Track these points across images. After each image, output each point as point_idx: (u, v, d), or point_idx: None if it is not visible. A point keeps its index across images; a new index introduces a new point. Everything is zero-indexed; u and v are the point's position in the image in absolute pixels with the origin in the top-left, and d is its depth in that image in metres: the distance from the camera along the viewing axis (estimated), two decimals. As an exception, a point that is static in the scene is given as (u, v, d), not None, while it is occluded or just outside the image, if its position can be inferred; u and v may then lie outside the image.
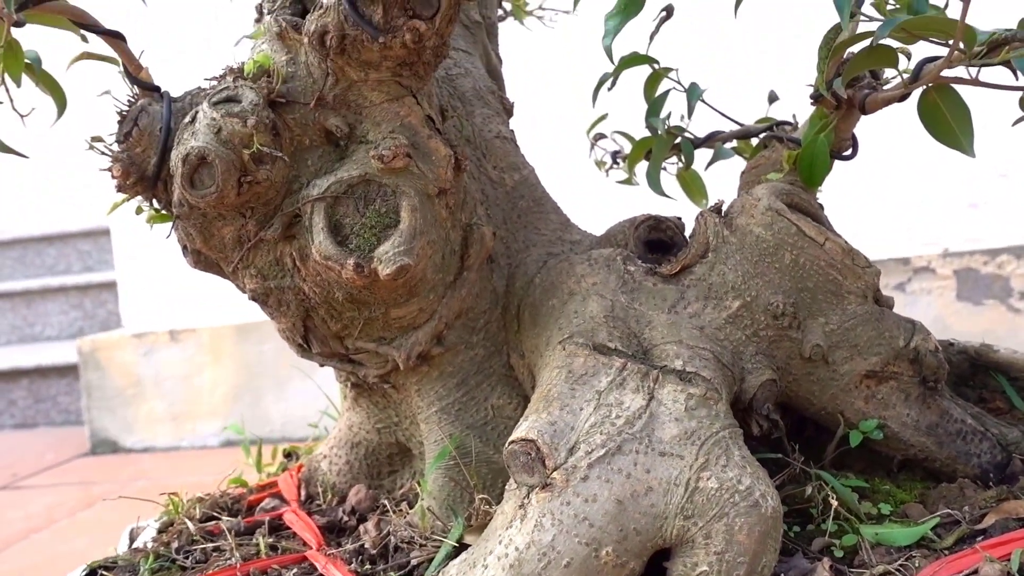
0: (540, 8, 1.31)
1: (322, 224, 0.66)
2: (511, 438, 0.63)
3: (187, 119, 0.68)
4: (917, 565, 0.60)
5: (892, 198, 1.98)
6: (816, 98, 0.78)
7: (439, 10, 0.64)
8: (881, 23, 0.62)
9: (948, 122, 0.73)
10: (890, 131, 1.96)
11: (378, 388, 0.80)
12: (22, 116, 0.83)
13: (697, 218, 0.76)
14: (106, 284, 3.47)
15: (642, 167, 1.03)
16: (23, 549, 1.75)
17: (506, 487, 0.66)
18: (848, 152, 0.83)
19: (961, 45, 0.63)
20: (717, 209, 0.76)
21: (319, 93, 0.67)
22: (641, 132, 1.11)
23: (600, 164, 1.14)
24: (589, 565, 0.59)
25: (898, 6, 0.72)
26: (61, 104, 0.81)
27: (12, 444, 2.83)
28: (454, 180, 0.70)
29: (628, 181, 1.07)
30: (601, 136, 1.14)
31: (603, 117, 1.12)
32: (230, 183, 0.65)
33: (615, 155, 1.11)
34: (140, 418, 2.50)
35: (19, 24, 0.68)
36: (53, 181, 4.21)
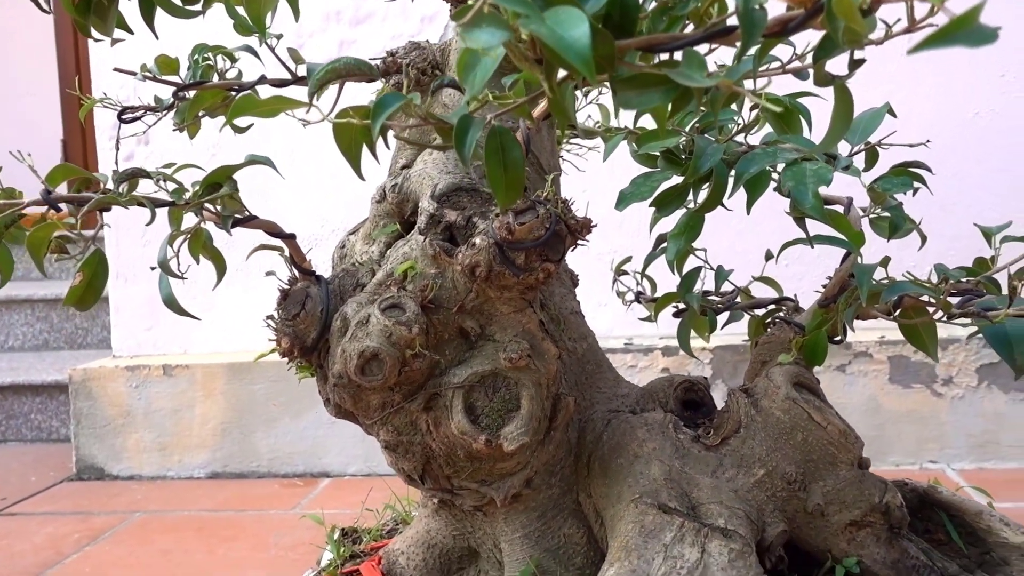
0: (569, 142, 1.51)
1: (460, 407, 0.86)
2: (602, 581, 0.84)
3: (355, 314, 0.87)
4: None
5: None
6: (824, 305, 1.01)
7: (563, 254, 0.84)
8: (888, 287, 0.86)
9: (920, 336, 0.97)
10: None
11: (469, 511, 1.00)
12: (182, 278, 1.00)
13: (729, 395, 0.99)
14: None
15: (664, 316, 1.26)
16: (46, 586, 1.86)
17: (589, 612, 0.87)
18: (839, 337, 1.07)
19: (939, 313, 0.88)
20: (745, 390, 0.99)
21: (461, 302, 0.87)
22: (656, 272, 1.33)
23: (621, 295, 1.36)
24: None
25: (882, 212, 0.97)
26: (221, 270, 0.98)
27: (-9, 463, 2.87)
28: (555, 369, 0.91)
29: (649, 319, 1.29)
30: (624, 272, 1.35)
31: (628, 259, 1.33)
32: (393, 373, 0.85)
33: (638, 295, 1.33)
34: (128, 447, 2.61)
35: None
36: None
